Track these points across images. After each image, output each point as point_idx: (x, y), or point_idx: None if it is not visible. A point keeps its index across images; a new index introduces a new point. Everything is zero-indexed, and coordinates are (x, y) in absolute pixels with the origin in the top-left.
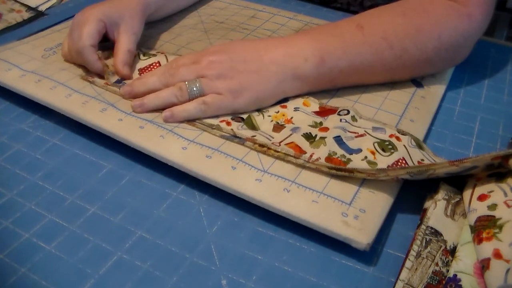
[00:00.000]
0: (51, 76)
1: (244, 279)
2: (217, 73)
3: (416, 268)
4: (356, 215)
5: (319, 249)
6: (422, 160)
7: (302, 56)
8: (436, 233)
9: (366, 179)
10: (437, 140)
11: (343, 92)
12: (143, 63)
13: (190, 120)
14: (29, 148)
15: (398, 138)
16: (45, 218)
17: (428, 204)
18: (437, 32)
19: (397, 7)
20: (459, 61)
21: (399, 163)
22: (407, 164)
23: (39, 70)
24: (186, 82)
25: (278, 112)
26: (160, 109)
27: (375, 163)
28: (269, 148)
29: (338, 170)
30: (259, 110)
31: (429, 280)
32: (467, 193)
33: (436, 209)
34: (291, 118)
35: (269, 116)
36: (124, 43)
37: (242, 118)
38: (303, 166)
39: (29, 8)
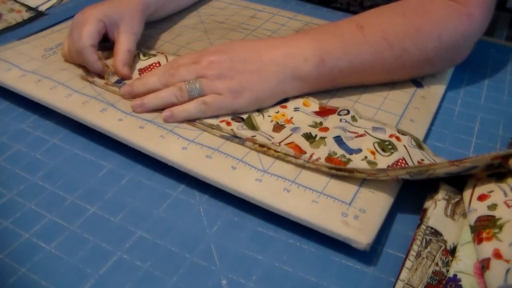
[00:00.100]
0: (51, 76)
1: (244, 279)
2: (217, 73)
3: (416, 268)
4: (356, 215)
5: (319, 249)
6: (422, 160)
7: (302, 56)
8: (436, 233)
9: (366, 179)
10: (437, 140)
11: (343, 92)
12: (143, 63)
13: (190, 120)
14: (29, 148)
15: (398, 138)
16: (45, 218)
17: (428, 204)
18: (437, 32)
19: (397, 7)
20: (459, 61)
21: (399, 163)
22: (407, 164)
23: (39, 70)
24: (186, 82)
25: (278, 112)
26: (160, 109)
27: (375, 163)
28: (269, 148)
29: (338, 170)
30: (259, 110)
31: (429, 280)
32: (467, 193)
33: (436, 209)
34: (291, 118)
35: (269, 116)
36: (124, 43)
37: (242, 118)
38: (303, 166)
39: (29, 8)
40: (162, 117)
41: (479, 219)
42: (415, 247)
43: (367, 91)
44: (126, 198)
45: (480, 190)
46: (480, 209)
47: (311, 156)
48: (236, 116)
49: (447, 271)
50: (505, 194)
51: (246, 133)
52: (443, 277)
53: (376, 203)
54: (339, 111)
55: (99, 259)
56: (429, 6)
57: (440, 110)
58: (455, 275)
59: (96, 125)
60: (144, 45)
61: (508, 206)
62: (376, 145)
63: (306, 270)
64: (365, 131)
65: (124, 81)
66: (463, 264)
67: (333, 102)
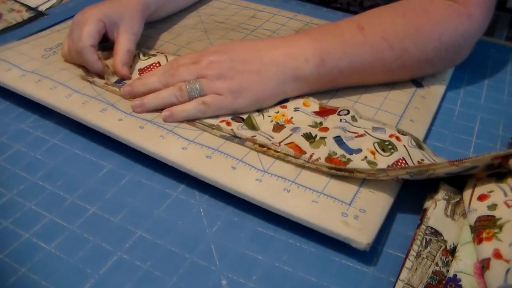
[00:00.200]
0: (51, 76)
1: (244, 279)
2: (217, 73)
3: (416, 268)
4: (356, 215)
5: (319, 249)
6: (422, 160)
7: (302, 56)
8: (436, 233)
9: (366, 179)
10: (437, 140)
11: (343, 92)
12: (143, 63)
13: (190, 120)
14: (29, 148)
15: (398, 138)
16: (45, 218)
17: (428, 204)
18: (437, 32)
19: (397, 7)
20: (459, 61)
21: (399, 163)
22: (407, 164)
23: (39, 70)
24: (186, 82)
25: (278, 112)
26: (160, 109)
27: (375, 163)
28: (269, 148)
29: (338, 170)
30: (259, 110)
31: (429, 280)
32: (467, 193)
33: (436, 209)
34: (291, 118)
35: (269, 116)
36: (124, 43)
37: (242, 118)
38: (303, 166)
39: (29, 8)
40: (161, 117)
41: (479, 219)
42: (415, 247)
43: (367, 91)
44: (126, 198)
45: (480, 190)
46: (480, 209)
47: (311, 156)
48: (236, 116)
49: (447, 271)
50: (505, 194)
51: (246, 133)
52: (443, 277)
53: (376, 203)
54: (339, 111)
55: (99, 259)
56: (429, 6)
57: (440, 110)
58: (455, 275)
59: (96, 125)
60: (144, 45)
61: (508, 206)
62: (376, 145)
63: (306, 270)
64: (365, 131)
65: (124, 81)
66: (463, 264)
67: (333, 102)
